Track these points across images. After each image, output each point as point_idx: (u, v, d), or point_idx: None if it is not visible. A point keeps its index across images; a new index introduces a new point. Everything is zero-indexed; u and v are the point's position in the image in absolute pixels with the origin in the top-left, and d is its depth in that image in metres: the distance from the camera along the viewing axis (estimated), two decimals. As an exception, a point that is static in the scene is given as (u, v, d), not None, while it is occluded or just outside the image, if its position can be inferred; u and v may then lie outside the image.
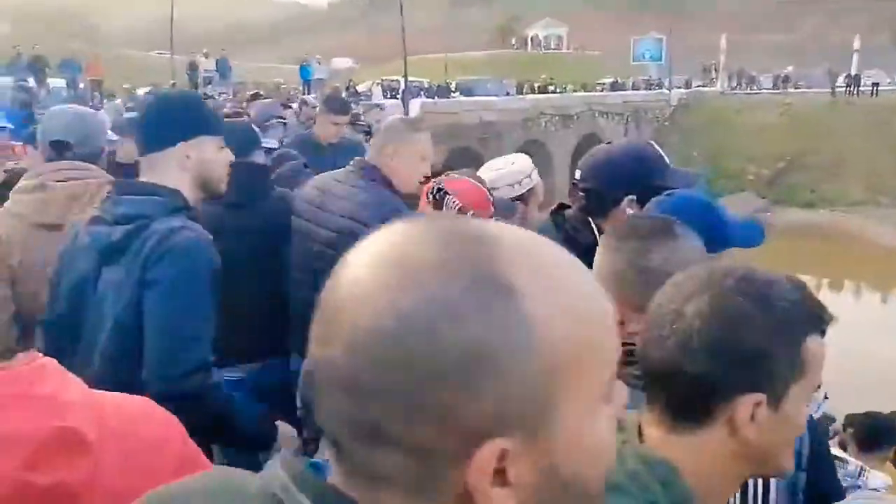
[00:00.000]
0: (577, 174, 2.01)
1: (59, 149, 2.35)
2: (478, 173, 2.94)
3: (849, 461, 2.22)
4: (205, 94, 20.34)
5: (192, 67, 26.82)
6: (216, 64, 26.90)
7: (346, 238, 2.44)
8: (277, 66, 51.56)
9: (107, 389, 1.73)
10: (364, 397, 0.47)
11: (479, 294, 0.47)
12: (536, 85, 39.46)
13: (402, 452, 0.48)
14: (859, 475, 2.15)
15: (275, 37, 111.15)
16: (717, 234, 1.61)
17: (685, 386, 0.85)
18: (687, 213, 1.59)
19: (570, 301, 0.50)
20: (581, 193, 1.98)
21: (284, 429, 1.93)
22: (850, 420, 3.67)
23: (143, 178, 1.91)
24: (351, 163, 2.64)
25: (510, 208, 2.56)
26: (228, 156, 1.99)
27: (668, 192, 1.75)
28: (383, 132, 2.68)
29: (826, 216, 25.40)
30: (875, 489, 2.08)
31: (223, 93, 21.25)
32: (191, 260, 1.77)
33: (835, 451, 2.34)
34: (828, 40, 79.22)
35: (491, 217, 2.25)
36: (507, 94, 34.61)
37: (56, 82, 22.38)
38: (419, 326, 0.46)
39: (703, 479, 0.86)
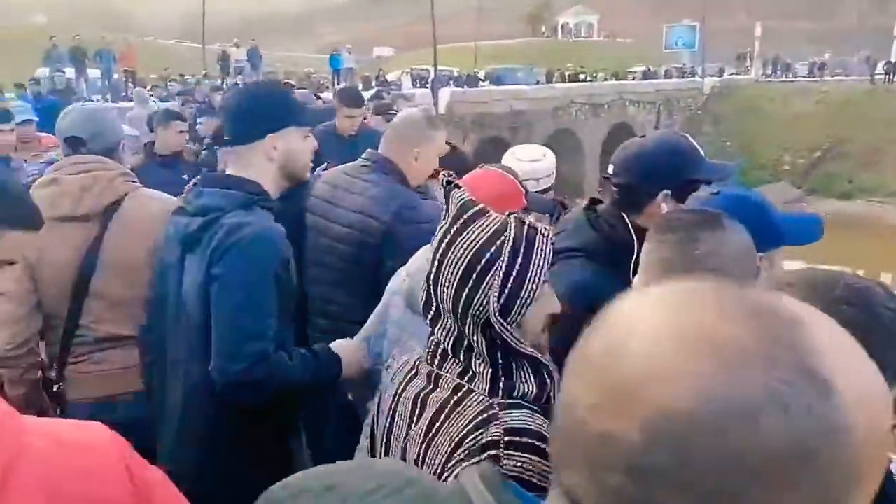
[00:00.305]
0: (610, 168, 1.97)
1: (74, 144, 2.43)
2: (503, 160, 2.90)
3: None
4: (235, 84, 20.50)
5: (224, 57, 27.02)
6: (247, 54, 27.06)
7: (358, 233, 2.44)
8: (308, 55, 51.73)
9: (194, 374, 1.86)
10: (655, 483, 0.44)
11: (802, 386, 0.44)
12: (567, 73, 39.11)
13: None
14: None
15: (306, 26, 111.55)
16: (767, 232, 1.59)
17: None
18: (734, 213, 1.56)
19: (875, 404, 0.47)
20: (614, 188, 1.93)
21: None
22: None
23: (228, 171, 1.97)
24: (364, 155, 2.61)
25: (547, 207, 2.48)
26: (312, 143, 2.04)
27: (714, 191, 1.71)
28: (404, 129, 2.61)
29: (863, 206, 24.89)
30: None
31: (254, 82, 21.32)
32: (255, 255, 1.81)
33: None
34: (868, 27, 77.46)
35: (526, 212, 2.19)
36: (537, 82, 34.36)
37: (92, 73, 22.72)
38: (741, 416, 0.43)
39: None
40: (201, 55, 29.04)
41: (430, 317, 1.28)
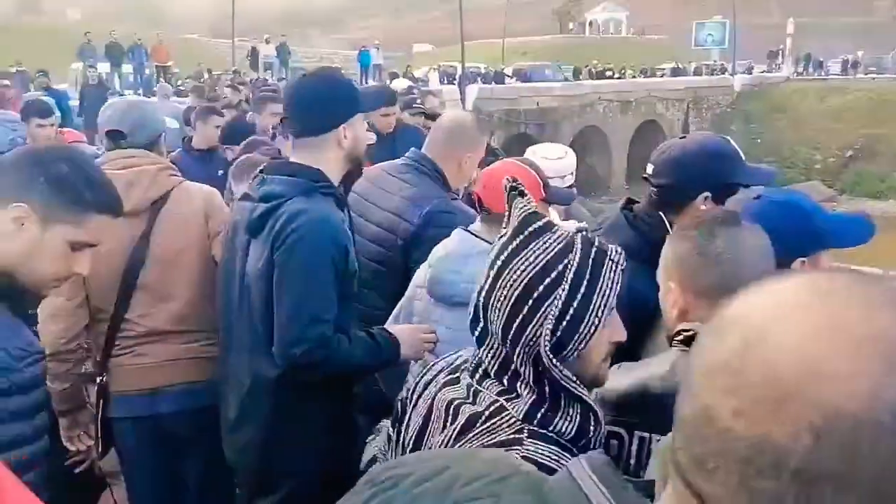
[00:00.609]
0: (650, 168, 1.98)
1: (115, 138, 2.41)
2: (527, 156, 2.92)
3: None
4: (265, 80, 20.66)
5: (253, 53, 27.24)
6: (276, 50, 27.25)
7: (387, 233, 2.45)
8: (339, 51, 51.91)
9: (258, 356, 1.92)
10: (823, 487, 0.43)
11: None
12: (594, 70, 38.84)
13: None
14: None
15: (336, 22, 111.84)
16: (810, 234, 1.59)
17: None
18: (776, 216, 1.57)
19: None
20: (654, 189, 1.95)
21: None
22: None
23: (294, 159, 2.02)
24: (407, 154, 2.61)
25: (568, 199, 2.49)
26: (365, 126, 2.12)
27: (756, 195, 1.72)
28: (456, 133, 2.59)
29: (895, 206, 24.42)
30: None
31: (282, 79, 21.51)
32: (314, 241, 1.87)
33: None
34: (902, 23, 75.90)
35: (546, 204, 2.21)
36: (565, 79, 34.17)
37: (125, 68, 23.02)
38: None
39: None
40: (230, 51, 29.29)
41: (476, 334, 1.18)
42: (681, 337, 1.36)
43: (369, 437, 1.59)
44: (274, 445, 1.98)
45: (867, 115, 30.42)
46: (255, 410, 1.99)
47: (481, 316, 1.15)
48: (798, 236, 1.55)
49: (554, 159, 2.88)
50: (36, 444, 1.39)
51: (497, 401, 1.14)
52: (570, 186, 2.90)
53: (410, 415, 1.29)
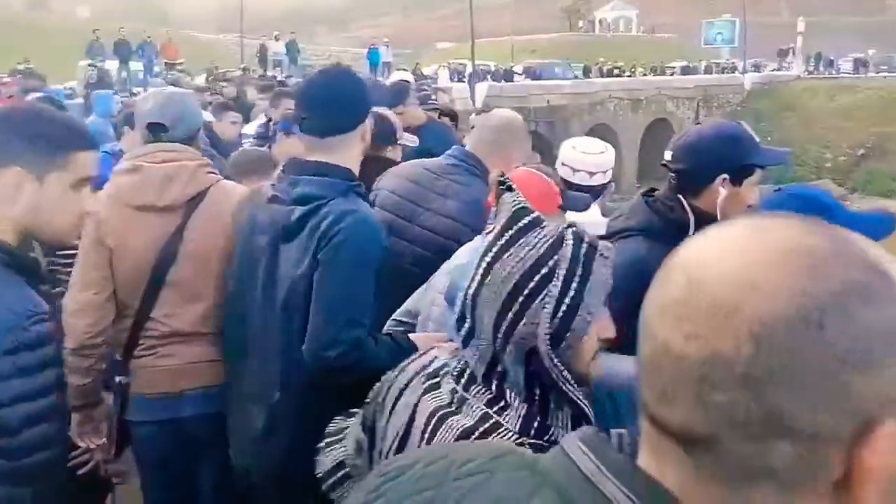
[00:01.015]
0: (668, 155, 2.02)
1: (156, 131, 2.34)
2: (563, 150, 2.86)
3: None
4: (275, 77, 20.68)
5: (262, 50, 27.28)
6: (286, 47, 27.28)
7: (443, 240, 2.34)
8: (347, 49, 51.99)
9: (279, 365, 1.90)
10: (769, 388, 0.48)
11: (876, 278, 0.50)
12: (604, 68, 38.77)
13: (794, 442, 0.48)
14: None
15: (343, 20, 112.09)
16: None
17: None
18: (795, 209, 1.57)
19: None
20: (672, 174, 2.00)
21: None
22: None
23: (318, 158, 1.98)
24: (451, 153, 2.53)
25: (582, 205, 2.46)
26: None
27: (776, 188, 1.74)
28: (507, 134, 2.53)
29: (907, 206, 24.35)
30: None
31: (290, 76, 21.53)
32: (360, 242, 1.86)
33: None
34: (914, 22, 75.49)
35: (561, 210, 2.17)
36: (575, 77, 34.13)
37: (133, 66, 23.09)
38: (837, 310, 0.48)
39: None
40: (239, 48, 29.36)
41: (462, 334, 1.15)
42: None
43: (328, 440, 1.47)
44: (304, 453, 1.94)
45: (878, 113, 30.27)
46: (287, 418, 1.94)
47: (468, 314, 1.12)
48: None
49: (596, 154, 2.83)
50: (44, 399, 1.44)
51: (488, 414, 1.10)
52: (608, 182, 2.84)
53: (387, 423, 1.23)
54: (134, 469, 2.42)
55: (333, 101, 1.98)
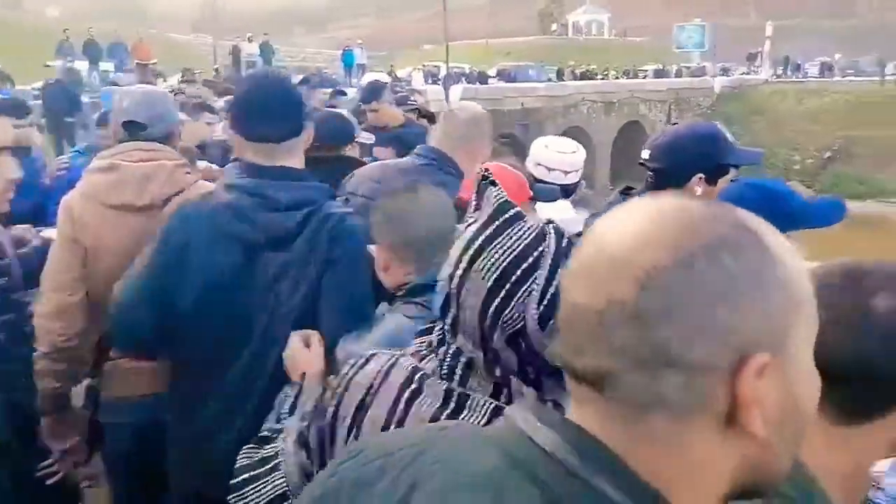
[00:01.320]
0: (645, 154, 2.07)
1: (133, 129, 2.27)
2: (535, 149, 2.93)
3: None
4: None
5: (235, 52, 27.10)
6: (259, 48, 27.13)
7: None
8: (321, 50, 51.73)
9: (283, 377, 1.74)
10: (657, 326, 0.56)
11: (743, 234, 0.59)
12: (578, 71, 39.05)
13: (681, 373, 0.56)
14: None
15: (319, 21, 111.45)
16: (785, 215, 1.68)
17: (869, 384, 0.83)
18: (752, 196, 1.68)
19: (795, 257, 0.62)
20: (650, 173, 2.04)
21: None
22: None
23: (280, 163, 1.89)
24: (417, 151, 2.54)
25: (552, 196, 2.51)
26: None
27: (733, 179, 1.81)
28: (475, 128, 2.53)
29: (873, 207, 24.80)
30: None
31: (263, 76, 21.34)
32: (360, 244, 1.85)
33: None
34: (879, 26, 76.98)
35: (532, 202, 2.23)
36: (549, 80, 34.34)
37: (104, 66, 22.81)
38: (708, 258, 0.56)
39: (851, 477, 0.88)
40: (212, 49, 29.14)
41: (449, 321, 1.13)
42: (402, 291, 1.58)
43: (248, 474, 1.33)
44: None
45: (845, 117, 30.89)
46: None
47: (453, 303, 1.11)
48: (773, 217, 1.61)
49: (570, 153, 2.90)
50: None
51: (499, 406, 1.08)
52: (578, 182, 2.92)
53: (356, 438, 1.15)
54: (103, 472, 2.36)
55: (289, 105, 1.93)
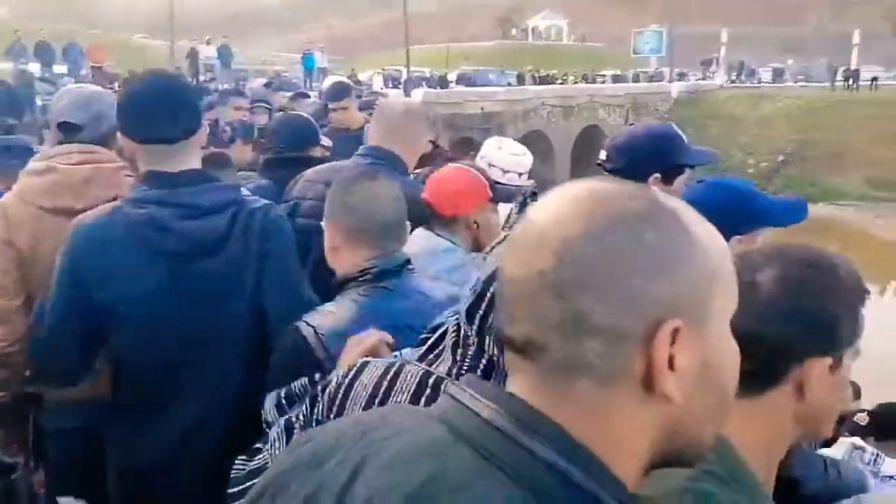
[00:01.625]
0: (603, 155, 2.10)
1: (69, 130, 2.19)
2: (490, 152, 2.94)
3: (866, 448, 2.30)
4: (205, 81, 20.33)
5: (192, 54, 26.69)
6: (218, 51, 26.79)
7: None
8: (279, 53, 51.30)
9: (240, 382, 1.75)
10: (575, 293, 0.59)
11: (659, 209, 0.62)
12: (538, 76, 39.37)
13: (601, 339, 0.59)
14: (874, 462, 2.23)
15: (280, 25, 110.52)
16: (747, 214, 1.73)
17: (761, 352, 0.88)
18: (715, 196, 1.72)
19: (713, 234, 0.65)
20: (607, 173, 2.06)
21: None
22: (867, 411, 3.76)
23: (180, 167, 1.82)
24: (360, 152, 2.52)
25: (510, 196, 2.52)
26: None
27: (700, 179, 1.85)
28: (414, 122, 2.56)
29: (824, 209, 25.39)
30: (890, 476, 2.15)
31: (215, 83, 21.16)
32: (290, 233, 1.87)
33: (851, 439, 2.41)
34: (829, 34, 79.07)
35: (493, 205, 2.25)
36: (509, 84, 34.54)
37: (58, 68, 22.30)
38: (621, 231, 0.60)
39: (762, 444, 0.92)
40: (169, 52, 28.67)
41: (475, 329, 1.09)
42: (365, 276, 1.63)
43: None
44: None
45: (797, 121, 31.65)
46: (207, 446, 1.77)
47: (483, 308, 1.07)
48: (735, 215, 1.67)
49: (522, 155, 2.93)
50: None
51: None
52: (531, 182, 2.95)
53: None
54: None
55: (182, 103, 1.84)
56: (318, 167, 2.68)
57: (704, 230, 0.64)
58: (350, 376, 1.18)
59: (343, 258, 1.69)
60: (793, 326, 0.90)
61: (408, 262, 1.70)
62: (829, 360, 0.91)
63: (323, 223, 1.74)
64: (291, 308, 1.70)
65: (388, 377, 1.15)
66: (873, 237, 24.70)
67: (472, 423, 0.63)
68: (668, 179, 2.01)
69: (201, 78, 23.06)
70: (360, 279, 1.64)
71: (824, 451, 2.30)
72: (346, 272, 1.67)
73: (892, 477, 2.14)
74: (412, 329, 1.45)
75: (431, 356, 1.19)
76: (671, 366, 0.60)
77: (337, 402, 1.17)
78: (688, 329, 0.60)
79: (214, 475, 1.43)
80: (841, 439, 2.46)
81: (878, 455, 2.27)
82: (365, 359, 1.23)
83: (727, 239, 1.82)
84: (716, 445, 0.82)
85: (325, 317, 1.60)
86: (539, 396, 0.62)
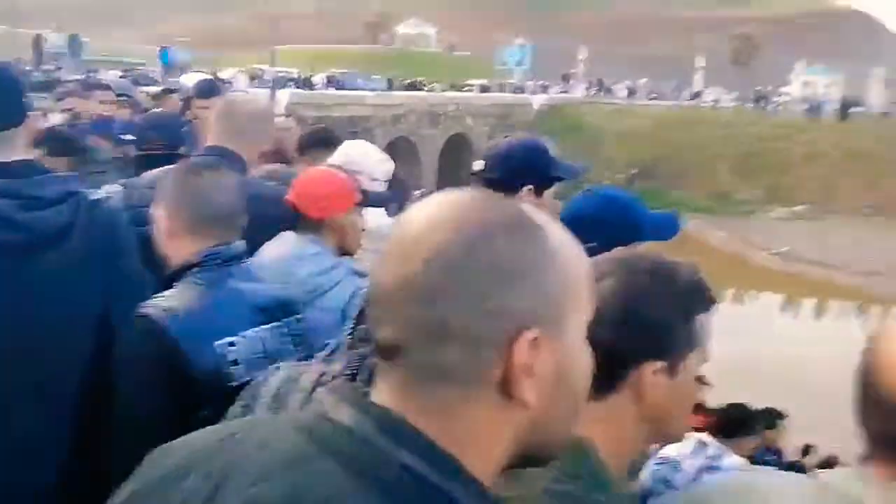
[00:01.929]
0: (480, 164, 2.13)
1: None
2: (357, 158, 2.89)
3: (709, 444, 2.44)
4: (48, 71, 18.98)
5: (37, 43, 24.84)
6: (67, 40, 25.09)
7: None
8: (132, 46, 48.74)
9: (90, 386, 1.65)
10: (437, 300, 0.61)
11: (524, 222, 0.65)
12: (406, 82, 39.64)
13: (461, 346, 0.61)
14: (718, 458, 2.36)
15: (136, 15, 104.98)
16: (630, 227, 1.77)
17: (601, 357, 0.88)
18: (601, 207, 1.77)
19: (573, 246, 0.68)
20: (484, 182, 2.07)
21: None
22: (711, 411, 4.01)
23: (9, 157, 1.68)
24: (202, 153, 2.47)
25: (385, 201, 2.52)
26: None
27: (587, 189, 1.90)
28: (259, 122, 2.53)
29: (672, 221, 27.15)
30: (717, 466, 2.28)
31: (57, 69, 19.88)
32: (127, 225, 1.82)
33: (698, 434, 2.55)
34: (676, 58, 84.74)
35: (359, 209, 2.24)
36: (376, 90, 34.56)
37: None
38: (485, 239, 0.62)
39: (612, 443, 0.96)
40: (11, 39, 26.60)
41: (362, 332, 1.20)
42: (213, 262, 1.67)
43: None
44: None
45: (650, 136, 33.73)
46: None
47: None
48: (617, 227, 1.72)
49: (384, 160, 2.90)
50: None
51: None
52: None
53: None
54: None
55: (9, 88, 1.72)
56: (151, 172, 2.53)
57: (566, 244, 0.67)
58: (260, 380, 1.26)
59: (180, 246, 1.71)
60: (626, 332, 0.94)
61: (243, 253, 1.76)
62: (662, 364, 0.95)
63: (158, 210, 1.75)
64: (136, 300, 1.65)
65: (291, 381, 1.23)
66: (714, 248, 26.70)
67: (336, 433, 0.63)
68: (539, 191, 2.06)
69: (45, 67, 21.50)
70: (203, 266, 1.66)
71: (672, 447, 2.42)
72: (186, 259, 1.69)
73: (718, 467, 2.27)
74: (259, 309, 1.67)
75: (334, 355, 1.25)
76: (529, 373, 0.62)
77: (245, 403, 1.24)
78: (546, 338, 0.63)
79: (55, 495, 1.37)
80: (688, 434, 2.60)
81: (720, 452, 2.42)
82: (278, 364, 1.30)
83: (609, 250, 1.89)
84: (573, 447, 0.88)
85: (169, 300, 1.61)
86: (401, 400, 0.63)
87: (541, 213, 0.68)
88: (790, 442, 6.65)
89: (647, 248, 1.84)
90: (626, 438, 0.99)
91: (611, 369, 0.94)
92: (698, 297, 1.01)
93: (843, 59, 71.44)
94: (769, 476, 1.13)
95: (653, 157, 32.66)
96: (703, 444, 2.53)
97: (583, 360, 0.70)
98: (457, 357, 0.61)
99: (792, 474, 1.04)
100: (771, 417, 4.43)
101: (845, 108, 35.83)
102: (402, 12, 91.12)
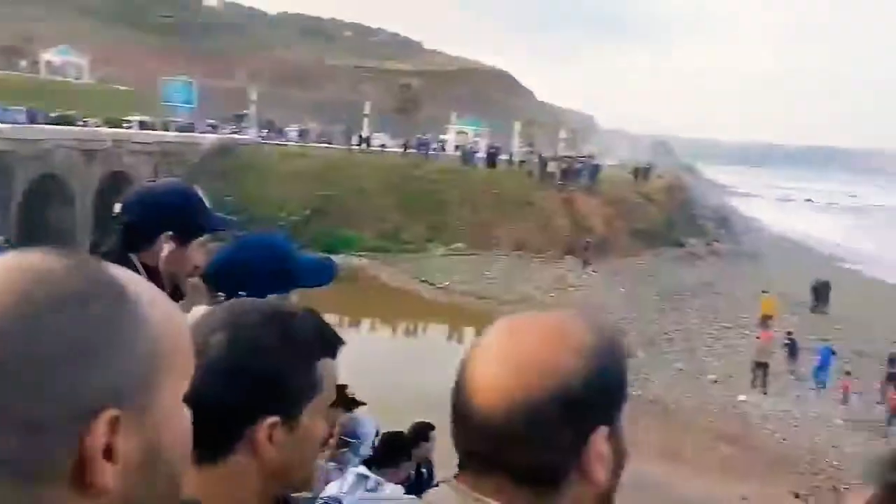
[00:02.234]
0: (118, 207, 1.97)
1: None
2: None
3: (369, 476, 2.47)
4: None
5: None
6: None
7: None
8: None
9: None
10: None
11: (102, 288, 0.58)
12: (54, 115, 35.82)
13: (19, 433, 0.52)
14: (376, 489, 2.40)
15: None
16: (286, 273, 1.72)
17: (209, 414, 0.82)
18: (257, 253, 1.68)
19: (167, 311, 0.62)
20: (120, 227, 1.94)
21: None
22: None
23: None
24: None
25: None
26: None
27: (241, 233, 1.82)
28: None
29: (345, 260, 27.96)
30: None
31: None
32: None
33: (358, 469, 2.57)
34: (345, 102, 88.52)
35: None
36: (17, 121, 30.72)
37: None
38: (52, 312, 0.54)
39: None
40: None
41: None
42: None
43: None
44: None
45: (321, 177, 34.66)
46: None
47: None
48: (270, 274, 1.66)
49: None
50: None
51: None
52: None
53: None
54: None
55: None
56: None
57: (158, 307, 0.61)
58: None
59: None
60: (237, 388, 0.90)
61: None
62: (276, 419, 0.91)
63: None
64: None
65: None
66: (386, 285, 28.14)
67: None
68: (182, 239, 1.93)
69: None
70: None
71: (333, 484, 2.40)
72: None
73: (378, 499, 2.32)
74: None
75: None
76: (108, 456, 0.55)
77: None
78: (129, 415, 0.56)
79: None
80: (350, 468, 2.61)
81: (379, 483, 2.47)
82: None
83: (262, 297, 1.79)
84: None
85: None
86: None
87: (130, 274, 0.61)
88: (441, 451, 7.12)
89: (301, 295, 1.82)
90: (250, 498, 0.93)
91: (225, 429, 0.90)
92: (317, 344, 0.97)
93: (488, 113, 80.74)
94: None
95: (324, 198, 33.54)
96: (363, 477, 2.56)
97: (180, 430, 0.63)
98: (13, 446, 0.52)
99: (406, 498, 1.06)
100: (423, 430, 4.67)
101: (491, 156, 40.36)
102: (52, 36, 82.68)
